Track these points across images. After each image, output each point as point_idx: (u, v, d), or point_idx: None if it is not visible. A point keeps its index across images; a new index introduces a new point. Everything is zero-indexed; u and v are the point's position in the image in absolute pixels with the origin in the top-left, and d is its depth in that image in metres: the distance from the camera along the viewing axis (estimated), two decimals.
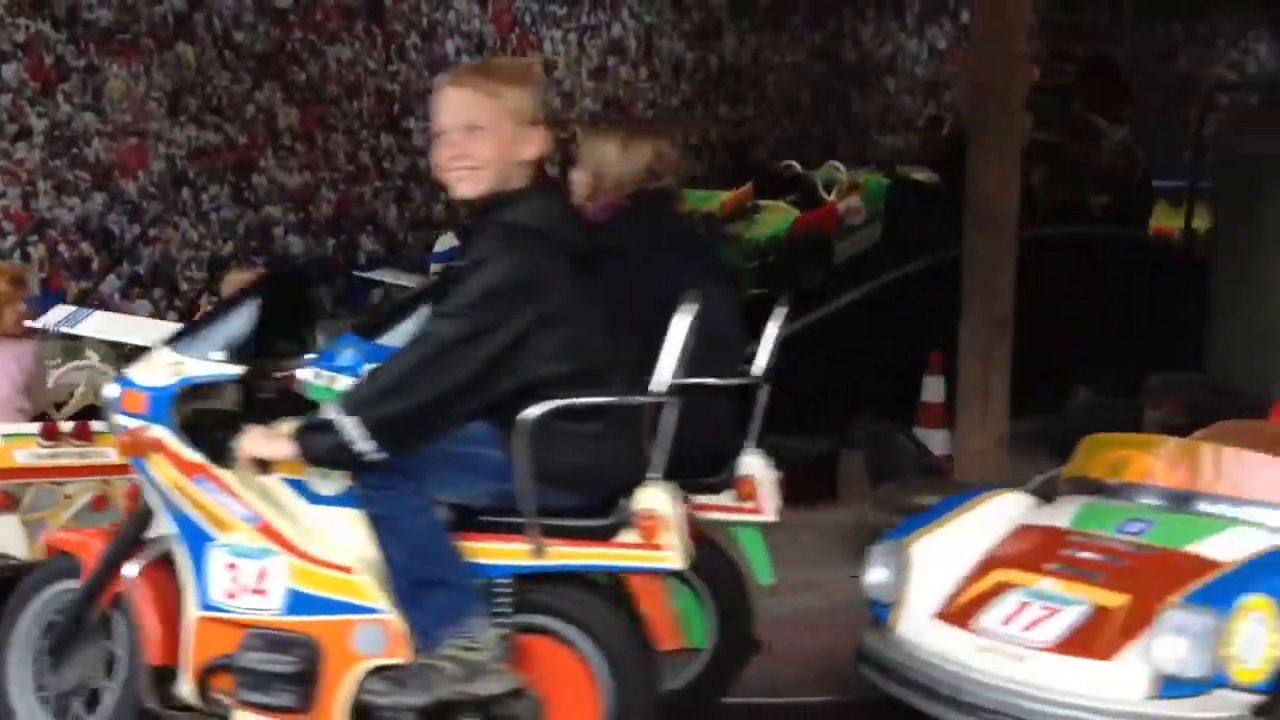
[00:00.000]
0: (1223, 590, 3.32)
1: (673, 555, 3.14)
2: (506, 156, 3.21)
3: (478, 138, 3.19)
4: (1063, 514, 3.87)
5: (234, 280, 6.97)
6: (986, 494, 4.03)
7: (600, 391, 3.15)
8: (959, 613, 3.63)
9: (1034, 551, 3.71)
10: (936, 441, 7.04)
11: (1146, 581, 3.46)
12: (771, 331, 4.17)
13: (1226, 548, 3.53)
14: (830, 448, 7.33)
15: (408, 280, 8.05)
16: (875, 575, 3.83)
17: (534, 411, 3.04)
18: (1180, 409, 6.50)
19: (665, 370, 3.18)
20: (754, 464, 4.05)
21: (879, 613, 3.81)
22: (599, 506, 3.17)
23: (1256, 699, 3.25)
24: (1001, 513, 3.92)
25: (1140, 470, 3.81)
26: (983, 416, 6.38)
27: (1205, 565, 3.50)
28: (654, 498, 3.15)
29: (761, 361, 4.11)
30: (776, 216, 9.46)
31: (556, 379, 3.11)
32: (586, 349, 3.16)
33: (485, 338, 3.04)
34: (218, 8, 9.00)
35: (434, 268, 7.91)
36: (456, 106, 3.23)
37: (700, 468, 3.83)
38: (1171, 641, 3.25)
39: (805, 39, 12.59)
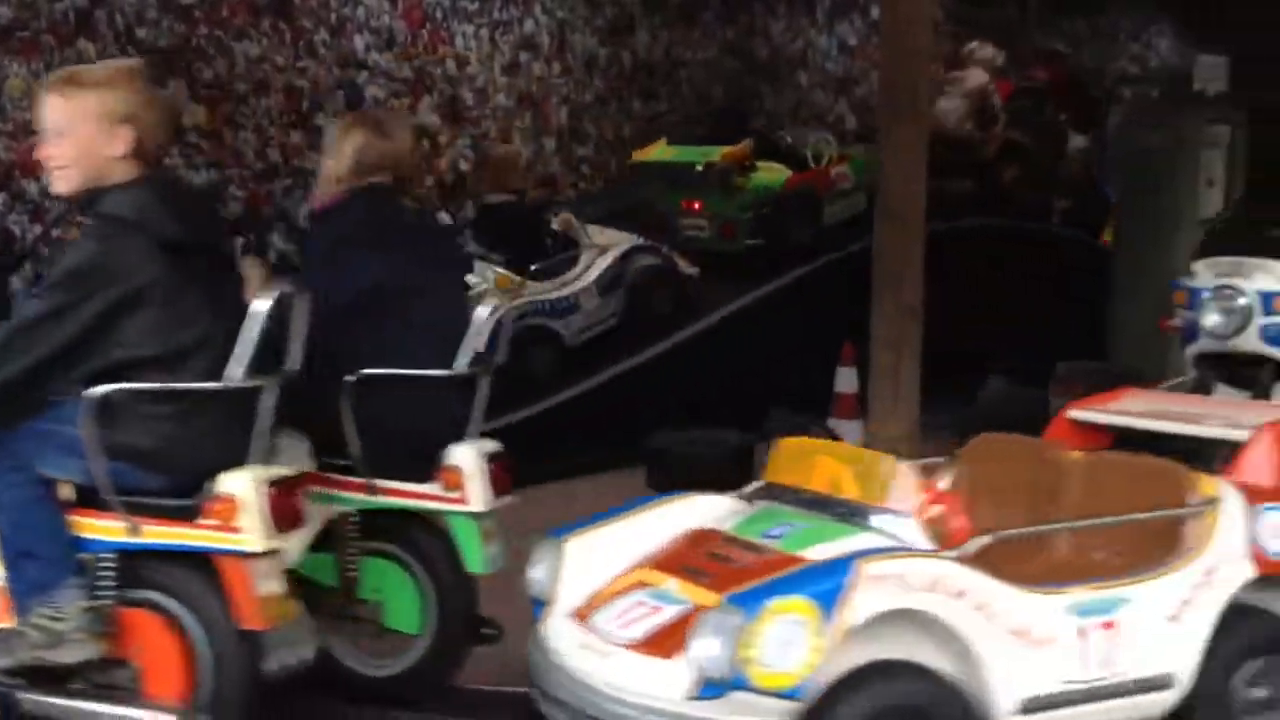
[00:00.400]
0: (759, 592, 3.17)
1: (251, 538, 3.30)
2: (93, 155, 3.36)
3: (61, 140, 3.38)
4: (734, 518, 3.70)
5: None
6: (678, 496, 3.80)
7: (188, 376, 3.33)
8: (586, 610, 3.52)
9: (681, 553, 3.58)
10: (850, 432, 7.13)
11: (737, 583, 3.28)
12: (481, 320, 4.21)
13: (830, 552, 3.37)
14: (747, 440, 7.38)
15: None
16: (534, 572, 3.64)
17: (96, 391, 3.23)
18: (1081, 395, 6.64)
19: (241, 359, 3.34)
20: (463, 454, 4.06)
21: (536, 610, 3.65)
22: (191, 488, 3.34)
23: (786, 704, 3.10)
24: (682, 515, 3.72)
25: (806, 476, 3.64)
26: (894, 406, 6.47)
27: (792, 566, 3.35)
28: (236, 482, 3.32)
29: (469, 353, 4.16)
30: (772, 174, 9.87)
31: (141, 361, 3.29)
32: (177, 333, 3.32)
33: (65, 316, 3.24)
34: (120, 4, 8.85)
35: None
36: (45, 111, 3.44)
37: (412, 456, 3.99)
38: (707, 641, 3.13)
39: (717, 35, 12.65)
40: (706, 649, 3.12)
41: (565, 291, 8.34)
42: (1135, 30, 16.97)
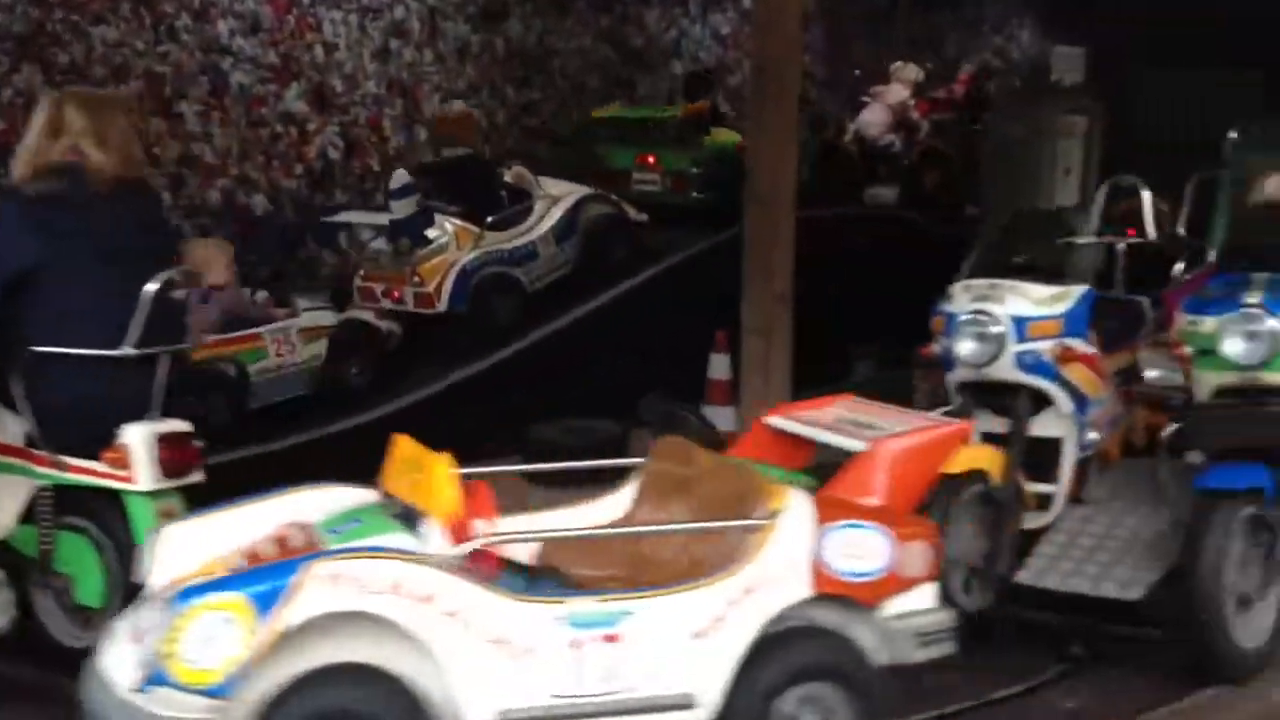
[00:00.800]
0: (199, 589, 3.14)
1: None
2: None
3: None
4: (329, 513, 3.63)
5: (199, 252, 7.54)
6: (309, 487, 3.69)
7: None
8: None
9: (262, 546, 3.49)
10: (724, 418, 7.18)
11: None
12: (147, 298, 4.20)
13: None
14: (621, 428, 7.39)
15: (372, 219, 8.52)
16: (144, 560, 3.58)
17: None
18: (942, 381, 6.78)
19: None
20: (133, 434, 4.16)
21: None
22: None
23: (208, 701, 3.03)
24: (295, 506, 3.61)
25: (399, 478, 3.57)
26: (765, 392, 6.53)
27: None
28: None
29: (135, 333, 4.20)
30: (726, 138, 10.65)
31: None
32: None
33: None
34: None
35: (394, 204, 8.21)
36: None
37: (90, 434, 4.16)
38: (127, 634, 3.16)
39: (591, 23, 12.62)
40: (127, 641, 3.16)
41: (523, 240, 8.67)
42: (998, 21, 17.36)
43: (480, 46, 11.71)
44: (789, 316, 6.50)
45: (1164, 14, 12.08)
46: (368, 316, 8.35)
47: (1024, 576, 4.65)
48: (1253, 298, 4.45)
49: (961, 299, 4.89)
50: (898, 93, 12.24)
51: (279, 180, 10.22)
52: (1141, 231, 5.96)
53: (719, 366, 7.70)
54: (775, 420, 4.75)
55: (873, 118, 12.06)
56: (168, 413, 4.30)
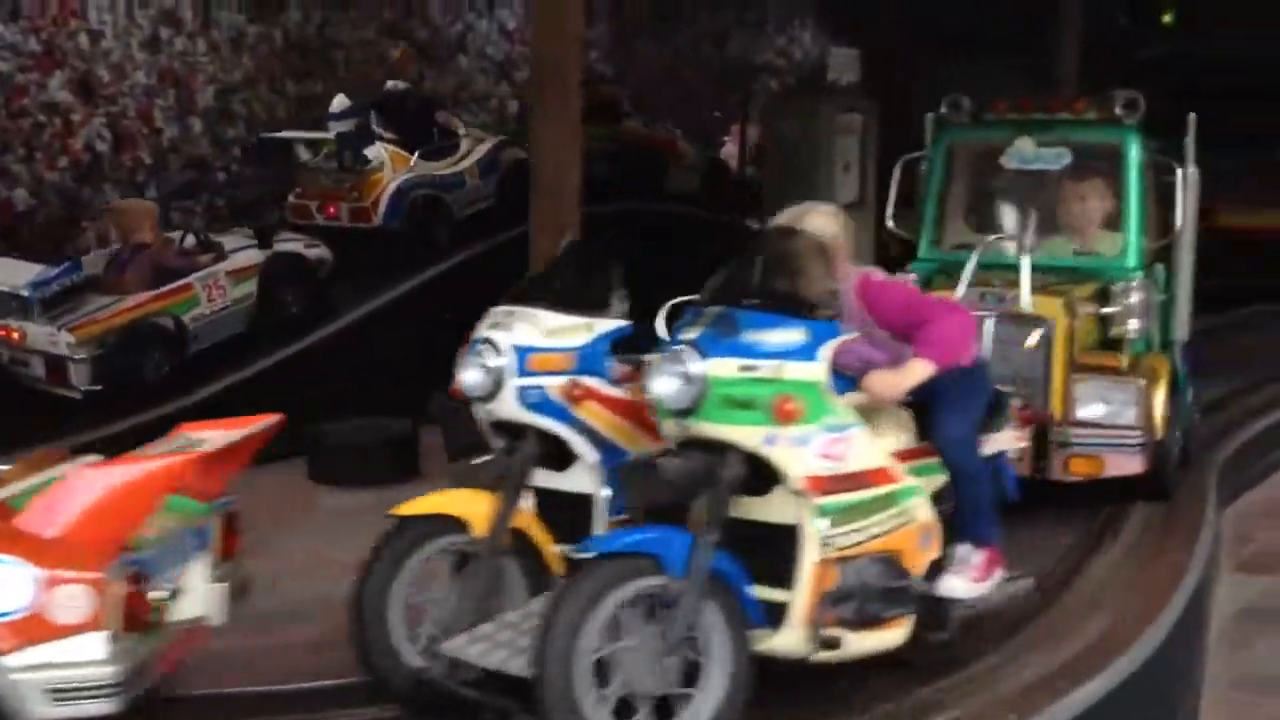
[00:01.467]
0: None
1: None
2: None
3: None
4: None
5: (126, 212, 8.13)
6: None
7: None
8: None
9: None
10: None
11: None
12: None
13: None
14: (410, 425, 7.29)
15: (313, 135, 9.50)
16: None
17: None
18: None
19: None
20: None
21: None
22: None
23: None
24: None
25: None
26: None
27: None
28: None
29: None
30: (632, 128, 11.74)
31: None
32: None
33: None
34: None
35: (333, 124, 9.31)
36: None
37: None
38: None
39: (375, 15, 12.40)
40: None
41: (452, 170, 9.63)
42: (780, 22, 17.77)
43: (257, 37, 11.37)
44: None
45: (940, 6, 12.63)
46: (296, 248, 8.64)
47: (452, 646, 3.82)
48: (691, 333, 3.66)
49: (483, 323, 4.25)
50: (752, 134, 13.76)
51: (42, 173, 9.73)
52: None
53: None
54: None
55: (731, 151, 14.13)
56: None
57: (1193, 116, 5.83)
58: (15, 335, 7.50)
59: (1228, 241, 13.86)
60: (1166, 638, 4.35)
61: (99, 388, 7.42)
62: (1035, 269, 5.38)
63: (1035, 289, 5.34)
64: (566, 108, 6.21)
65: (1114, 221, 5.94)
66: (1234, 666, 4.93)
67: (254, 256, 8.29)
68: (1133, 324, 5.63)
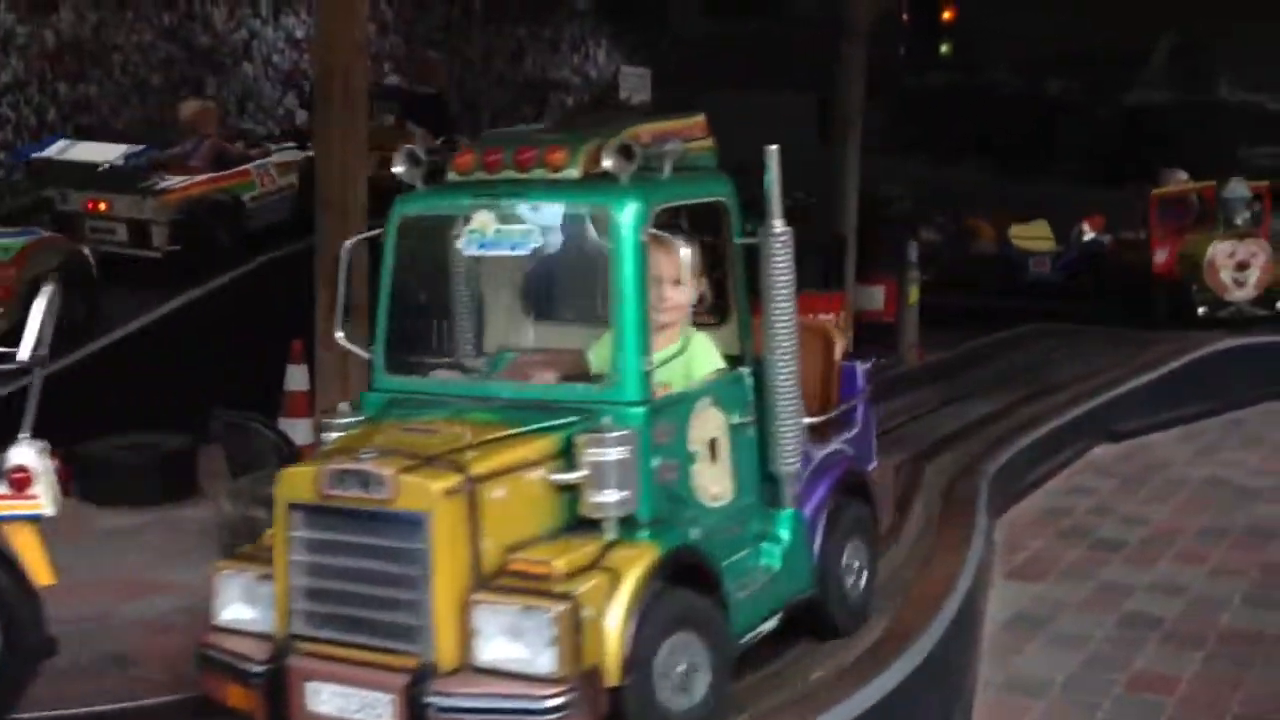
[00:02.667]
0: None
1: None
2: None
3: None
4: None
5: (191, 109, 9.85)
6: None
7: None
8: None
9: None
10: (301, 431, 6.96)
11: None
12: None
13: None
14: (189, 442, 7.03)
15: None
16: None
17: None
18: None
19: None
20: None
21: None
22: None
23: None
24: None
25: None
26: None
27: None
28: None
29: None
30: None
31: None
32: None
33: None
34: None
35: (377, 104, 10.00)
36: None
37: None
38: None
39: (153, 19, 11.96)
40: None
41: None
42: (576, 40, 17.89)
43: (27, 37, 10.84)
44: (366, 326, 6.37)
45: (724, 41, 12.91)
46: None
47: None
48: None
49: None
50: None
51: None
52: None
53: (295, 378, 7.46)
54: None
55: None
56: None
57: (773, 149, 4.01)
58: (103, 205, 8.94)
59: (991, 261, 14.70)
60: (941, 641, 4.50)
61: (176, 248, 8.83)
62: (494, 409, 3.72)
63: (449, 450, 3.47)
64: (352, 119, 6.09)
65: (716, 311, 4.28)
66: (1006, 670, 5.14)
67: (296, 155, 9.93)
68: (606, 497, 3.51)
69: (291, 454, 6.56)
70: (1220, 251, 11.72)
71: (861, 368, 4.82)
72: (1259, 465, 8.55)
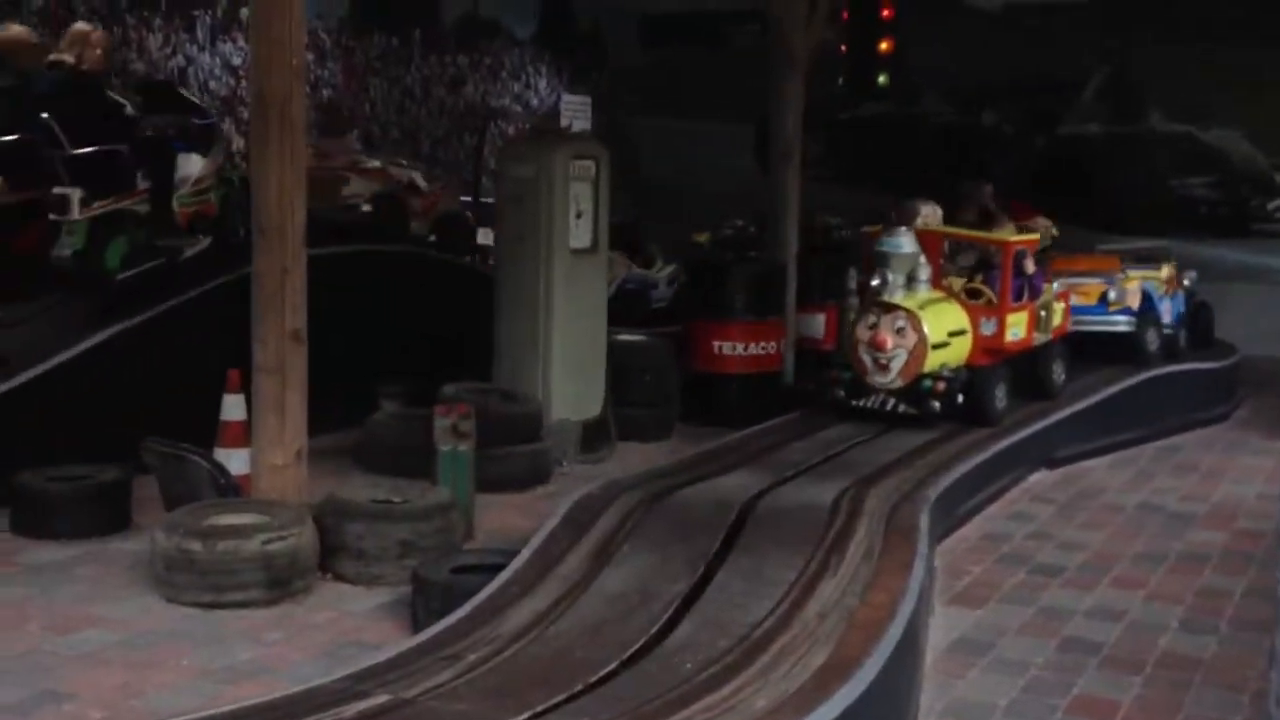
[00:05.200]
0: None
1: None
2: None
3: None
4: None
5: None
6: None
7: None
8: None
9: None
10: (238, 460, 6.85)
11: None
12: None
13: None
14: (122, 473, 6.90)
15: None
16: None
17: None
18: (466, 413, 6.84)
19: None
20: None
21: None
22: None
23: None
24: None
25: None
26: (280, 434, 6.30)
27: None
28: None
29: None
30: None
31: None
32: None
33: None
34: None
35: None
36: None
37: None
38: None
39: None
40: None
41: None
42: (517, 68, 17.91)
43: None
44: (304, 355, 6.31)
45: (662, 70, 13.00)
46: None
47: None
48: None
49: None
50: None
51: None
52: None
53: (232, 407, 7.35)
54: None
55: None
56: None
57: None
58: None
59: None
60: (884, 669, 4.51)
61: None
62: None
63: None
64: (291, 145, 6.04)
65: None
66: (948, 696, 5.15)
67: None
68: None
69: (228, 484, 6.48)
70: (861, 323, 8.88)
71: None
72: (1191, 491, 8.68)
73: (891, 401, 8.75)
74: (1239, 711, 5.06)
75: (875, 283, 8.87)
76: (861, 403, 8.83)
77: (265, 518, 5.90)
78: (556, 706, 4.06)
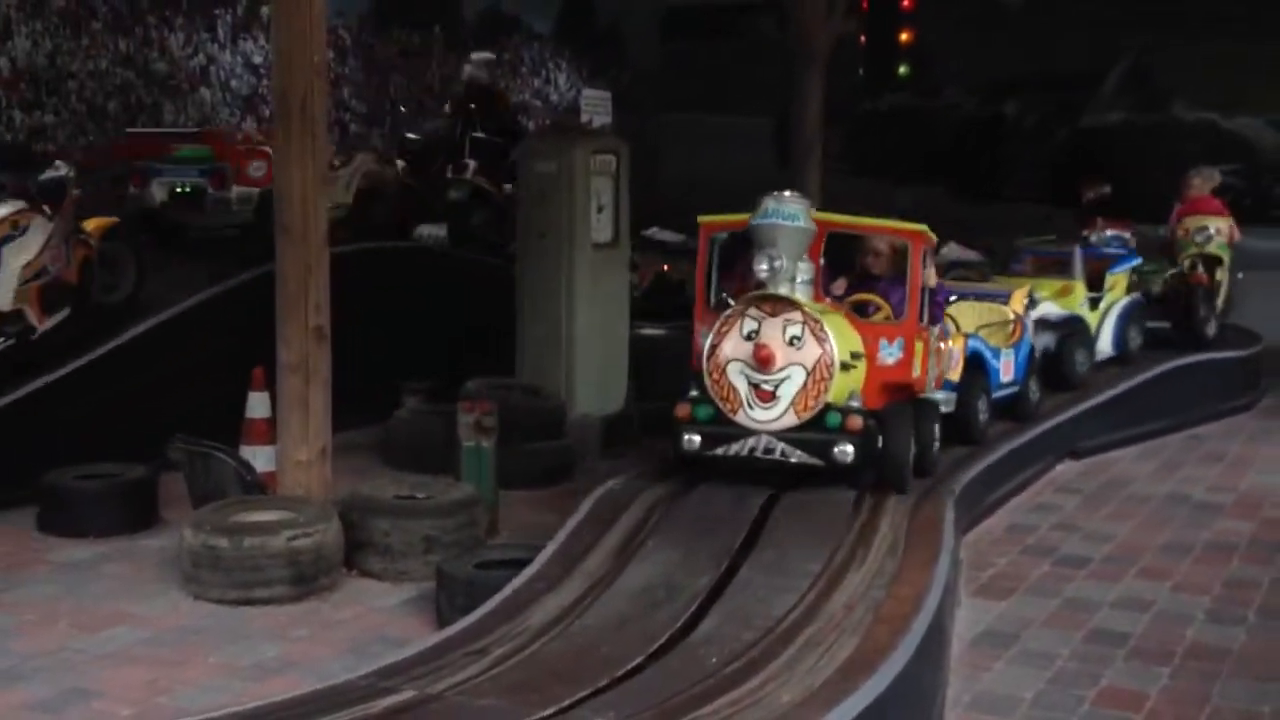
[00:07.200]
0: None
1: None
2: None
3: None
4: None
5: None
6: None
7: None
8: None
9: None
10: (263, 458, 6.89)
11: None
12: None
13: None
14: (149, 471, 6.94)
15: None
16: None
17: None
18: (489, 409, 6.85)
19: None
20: None
21: None
22: None
23: None
24: None
25: None
26: (304, 431, 6.33)
27: None
28: None
29: None
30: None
31: None
32: None
33: None
34: None
35: None
36: None
37: None
38: None
39: (108, 46, 11.88)
40: None
41: None
42: (537, 64, 17.92)
43: None
44: (328, 352, 6.34)
45: (683, 64, 12.99)
46: None
47: None
48: None
49: None
50: None
51: None
52: None
53: (257, 405, 7.38)
54: None
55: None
56: None
57: None
58: None
59: None
60: (910, 661, 4.50)
61: None
62: None
63: None
64: (312, 144, 6.05)
65: None
66: (974, 688, 5.14)
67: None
68: None
69: (254, 481, 6.51)
70: (729, 331, 6.00)
71: None
72: (1219, 481, 8.63)
73: (779, 446, 5.92)
74: (1268, 702, 5.03)
75: (761, 267, 5.93)
76: (726, 450, 5.98)
77: (291, 514, 5.93)
78: (581, 701, 4.07)
